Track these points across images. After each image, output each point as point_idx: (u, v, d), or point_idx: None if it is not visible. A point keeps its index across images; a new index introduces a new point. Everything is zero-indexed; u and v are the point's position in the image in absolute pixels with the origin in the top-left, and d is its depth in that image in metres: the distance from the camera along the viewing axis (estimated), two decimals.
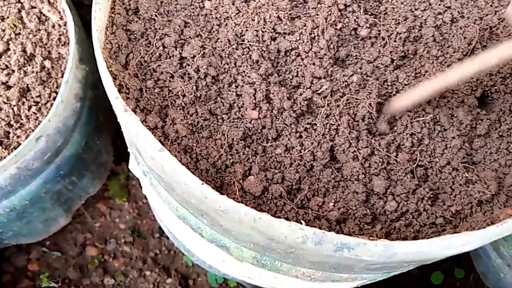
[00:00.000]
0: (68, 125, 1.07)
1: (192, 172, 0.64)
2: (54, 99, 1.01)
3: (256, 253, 0.78)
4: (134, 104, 0.72)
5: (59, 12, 1.07)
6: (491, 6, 0.86)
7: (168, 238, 1.68)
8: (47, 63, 1.04)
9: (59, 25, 1.07)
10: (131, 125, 0.64)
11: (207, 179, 0.68)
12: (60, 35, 1.06)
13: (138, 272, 1.67)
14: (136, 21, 0.80)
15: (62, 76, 1.04)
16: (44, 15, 1.08)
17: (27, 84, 1.02)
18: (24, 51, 1.04)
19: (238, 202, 0.60)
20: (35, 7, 1.08)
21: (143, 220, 1.75)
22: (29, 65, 1.04)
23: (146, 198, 1.71)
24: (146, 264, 1.68)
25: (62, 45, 1.07)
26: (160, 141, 0.69)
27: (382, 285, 1.53)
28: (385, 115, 0.76)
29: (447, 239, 0.58)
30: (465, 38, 0.82)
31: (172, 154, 0.65)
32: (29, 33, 1.05)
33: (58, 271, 1.64)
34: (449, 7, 0.84)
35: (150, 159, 0.64)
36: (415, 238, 0.68)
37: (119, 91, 0.72)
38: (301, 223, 0.57)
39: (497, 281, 1.27)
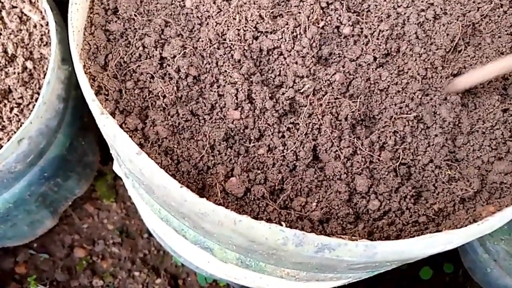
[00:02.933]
0: (51, 126, 1.05)
1: (173, 174, 0.64)
2: (37, 100, 1.00)
3: (239, 255, 0.77)
4: (113, 105, 0.71)
5: (41, 12, 1.06)
6: (473, 2, 0.85)
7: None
8: (29, 64, 1.03)
9: (41, 25, 1.06)
10: (109, 128, 0.63)
11: (189, 181, 0.68)
12: (42, 35, 1.05)
13: (127, 273, 1.66)
14: (115, 21, 0.79)
15: (44, 77, 1.02)
16: (25, 15, 1.07)
17: (9, 86, 1.01)
18: (5, 51, 1.02)
19: (220, 204, 0.60)
20: (16, 7, 1.06)
21: (132, 221, 1.74)
22: (11, 66, 1.02)
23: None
24: (135, 264, 1.68)
25: (44, 45, 1.05)
26: (140, 143, 0.68)
27: (371, 281, 1.54)
28: (447, 94, 0.77)
29: (428, 238, 0.58)
30: (448, 35, 0.82)
31: (152, 156, 0.64)
32: (10, 34, 1.04)
33: (46, 273, 1.63)
34: (432, 4, 0.84)
35: (128, 162, 0.63)
36: (398, 236, 0.68)
37: (98, 92, 0.71)
38: (281, 225, 0.57)
39: (484, 275, 1.28)
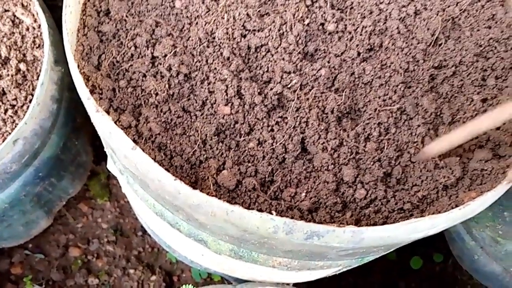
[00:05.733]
0: (45, 127, 1.07)
1: (167, 169, 0.66)
2: (31, 101, 1.01)
3: (233, 246, 0.80)
4: (107, 104, 0.73)
5: (33, 15, 1.07)
6: None
7: (150, 236, 1.69)
8: (22, 66, 1.04)
9: (33, 28, 1.07)
10: (104, 125, 0.65)
11: (182, 175, 0.70)
12: (34, 37, 1.07)
13: (122, 271, 1.68)
14: (108, 23, 0.81)
15: (37, 79, 1.04)
16: (17, 18, 1.08)
17: (3, 88, 1.02)
18: None
19: (212, 196, 0.62)
20: (8, 10, 1.07)
21: (126, 219, 1.76)
22: (4, 69, 1.04)
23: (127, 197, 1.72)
24: (130, 262, 1.70)
25: (37, 47, 1.07)
26: (134, 139, 0.70)
27: (362, 271, 1.57)
28: (418, 162, 0.77)
29: (412, 223, 0.61)
30: (428, 29, 0.85)
31: (146, 152, 0.67)
32: (3, 37, 1.05)
33: (41, 273, 1.64)
34: (413, 0, 0.87)
35: (123, 157, 0.66)
36: (384, 223, 0.71)
37: (92, 91, 0.73)
38: (272, 214, 0.59)
39: (471, 263, 1.31)
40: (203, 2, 0.84)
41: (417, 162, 0.76)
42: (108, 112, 0.72)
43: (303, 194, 0.73)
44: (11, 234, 1.37)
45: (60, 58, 1.07)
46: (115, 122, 0.71)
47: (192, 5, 0.84)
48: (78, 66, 0.74)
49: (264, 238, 0.63)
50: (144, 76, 0.77)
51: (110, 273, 1.68)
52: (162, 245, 1.28)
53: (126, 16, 0.82)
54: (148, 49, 0.79)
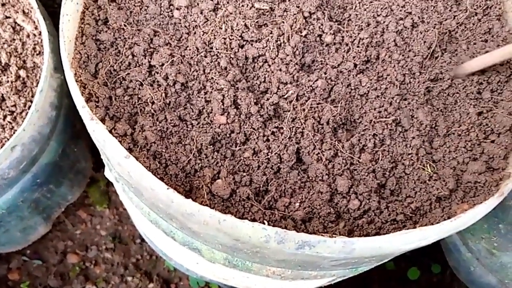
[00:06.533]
0: (44, 133, 1.08)
1: (161, 178, 0.66)
2: (30, 108, 1.02)
3: (226, 254, 0.80)
4: (103, 112, 0.74)
5: (34, 22, 1.08)
6: (450, 11, 0.89)
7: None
8: (22, 73, 1.05)
9: (34, 35, 1.08)
10: (98, 133, 0.66)
11: (177, 184, 0.71)
12: (34, 44, 1.08)
13: (119, 278, 1.68)
14: (106, 31, 0.82)
15: (37, 85, 1.05)
16: (18, 25, 1.09)
17: (2, 94, 1.03)
18: None
19: (206, 205, 0.63)
20: (9, 17, 1.08)
21: (124, 226, 1.76)
22: (4, 75, 1.05)
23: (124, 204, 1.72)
24: (128, 270, 1.70)
25: (37, 54, 1.08)
26: (129, 148, 0.71)
27: (359, 281, 1.57)
28: (455, 77, 0.84)
29: (403, 234, 0.62)
30: (425, 42, 0.85)
31: (141, 160, 0.67)
32: (3, 43, 1.06)
33: (39, 279, 1.64)
34: (410, 13, 0.88)
35: (117, 165, 0.66)
36: (376, 234, 0.71)
37: (89, 99, 0.74)
38: (264, 224, 0.60)
39: (468, 274, 1.31)
40: (201, 12, 0.85)
41: (454, 78, 0.84)
42: (104, 120, 0.73)
43: (297, 204, 0.73)
44: (9, 239, 1.37)
45: (59, 65, 1.07)
46: (111, 130, 0.71)
47: (191, 15, 0.85)
48: (76, 74, 0.75)
49: (256, 248, 0.63)
50: (141, 84, 0.78)
51: (108, 280, 1.68)
52: (158, 253, 1.28)
53: (125, 25, 0.82)
54: (145, 58, 0.80)
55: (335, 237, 0.61)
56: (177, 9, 0.85)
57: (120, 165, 0.65)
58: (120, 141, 0.66)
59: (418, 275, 1.69)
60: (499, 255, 1.08)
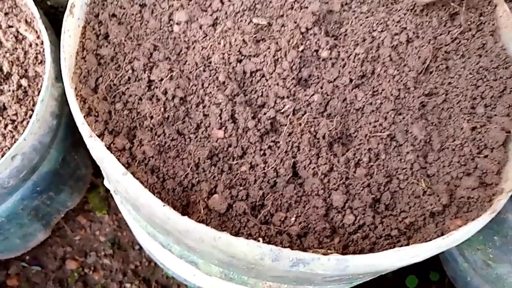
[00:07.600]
0: (44, 142, 1.08)
1: (159, 192, 0.67)
2: (31, 117, 1.03)
3: (223, 269, 0.81)
4: (103, 126, 0.75)
5: (36, 32, 1.09)
6: (444, 26, 0.90)
7: None
8: (24, 82, 1.06)
9: (36, 44, 1.09)
10: (96, 150, 0.67)
11: (174, 198, 0.72)
12: (36, 53, 1.08)
13: (118, 285, 1.68)
14: (106, 46, 0.83)
15: (38, 95, 1.05)
16: (21, 34, 1.10)
17: (4, 103, 1.03)
18: (0, 69, 1.05)
19: (203, 220, 0.64)
20: (12, 26, 1.09)
21: (123, 232, 1.77)
22: (6, 84, 1.05)
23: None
24: (127, 276, 1.70)
25: (39, 63, 1.09)
26: (127, 162, 0.72)
27: None
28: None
29: (396, 252, 0.63)
30: (419, 57, 0.87)
31: (139, 174, 0.68)
32: (6, 52, 1.07)
33: (37, 285, 1.65)
34: (405, 28, 0.89)
35: (115, 181, 0.67)
36: (371, 249, 0.73)
37: (89, 114, 0.75)
38: (258, 241, 0.61)
39: (465, 284, 1.32)
40: (200, 28, 0.86)
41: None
42: (103, 135, 0.74)
43: (293, 218, 0.74)
44: (8, 247, 1.38)
45: (61, 75, 1.08)
46: (110, 145, 0.72)
47: (190, 30, 0.86)
48: (76, 88, 0.76)
49: (251, 264, 0.64)
50: (140, 99, 0.79)
51: (106, 287, 1.69)
52: (156, 262, 1.29)
53: (125, 40, 0.84)
54: (145, 73, 0.81)
55: (330, 253, 0.62)
56: (177, 24, 0.86)
57: (118, 182, 0.66)
58: (118, 156, 0.68)
59: (416, 283, 1.70)
60: (495, 267, 1.09)
